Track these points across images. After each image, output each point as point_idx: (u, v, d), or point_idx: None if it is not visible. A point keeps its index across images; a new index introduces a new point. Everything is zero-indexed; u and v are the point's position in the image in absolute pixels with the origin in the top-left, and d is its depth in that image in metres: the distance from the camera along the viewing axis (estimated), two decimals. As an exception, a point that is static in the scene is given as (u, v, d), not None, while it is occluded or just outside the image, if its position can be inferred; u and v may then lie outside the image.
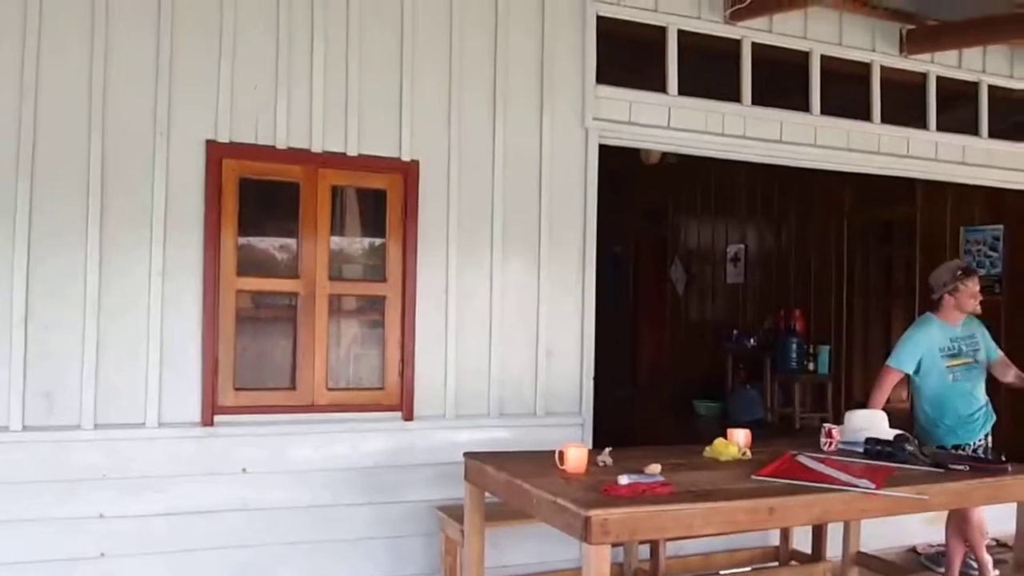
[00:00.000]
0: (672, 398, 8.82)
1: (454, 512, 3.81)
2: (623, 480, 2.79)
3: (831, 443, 3.55)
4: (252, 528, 3.80)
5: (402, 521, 4.01)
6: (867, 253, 8.16)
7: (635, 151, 4.63)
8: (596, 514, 2.43)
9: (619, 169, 5.35)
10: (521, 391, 4.19)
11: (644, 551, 4.16)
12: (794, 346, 8.04)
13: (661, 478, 2.86)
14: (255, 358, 3.95)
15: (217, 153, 3.75)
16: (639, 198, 9.24)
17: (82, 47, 3.60)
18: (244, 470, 3.77)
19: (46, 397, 3.57)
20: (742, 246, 9.28)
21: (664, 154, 6.51)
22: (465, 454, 3.49)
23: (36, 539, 3.53)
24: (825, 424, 3.73)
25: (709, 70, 4.44)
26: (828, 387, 8.30)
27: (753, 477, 3.00)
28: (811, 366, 8.17)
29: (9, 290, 3.52)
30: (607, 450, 3.27)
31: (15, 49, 3.52)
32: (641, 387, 9.84)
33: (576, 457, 3.10)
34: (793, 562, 4.35)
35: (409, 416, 4.01)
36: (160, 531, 3.69)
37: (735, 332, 8.73)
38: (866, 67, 5.14)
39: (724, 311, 8.99)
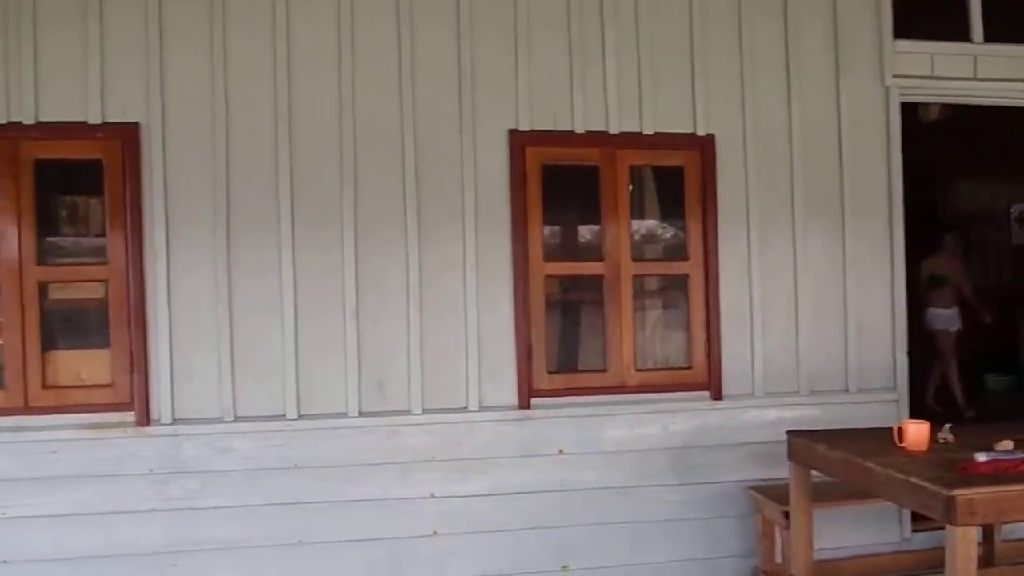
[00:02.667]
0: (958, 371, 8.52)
1: (770, 492, 4.02)
2: (981, 458, 2.87)
3: None
4: (569, 508, 4.18)
5: (714, 502, 4.25)
6: None
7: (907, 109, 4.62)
8: (961, 494, 2.48)
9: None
10: (830, 368, 4.36)
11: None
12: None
13: (1022, 454, 2.92)
14: (565, 342, 4.32)
15: (520, 142, 4.12)
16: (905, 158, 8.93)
17: (390, 58, 4.12)
18: (560, 451, 4.13)
19: (378, 385, 4.04)
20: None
21: (940, 108, 6.42)
22: (788, 432, 3.70)
23: (375, 518, 4.07)
24: None
25: (1019, 11, 4.39)
26: None
27: None
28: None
29: (341, 287, 4.01)
30: (947, 427, 3.38)
31: (333, 67, 4.06)
32: (921, 360, 9.54)
33: (917, 433, 3.26)
34: None
35: (717, 395, 4.25)
36: (485, 510, 4.12)
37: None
38: None
39: (1012, 275, 8.59)
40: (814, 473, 3.60)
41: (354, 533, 4.08)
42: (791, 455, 3.68)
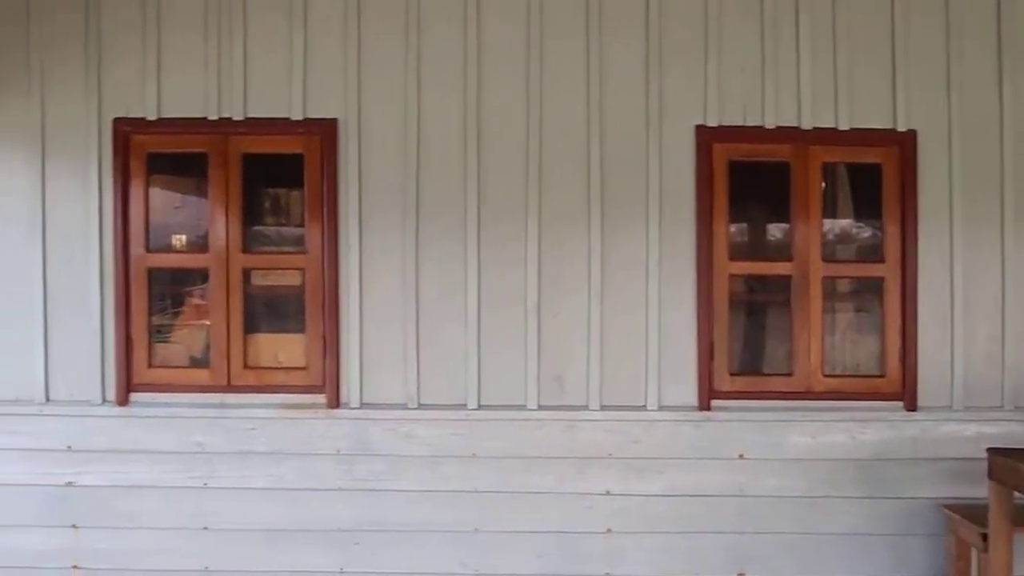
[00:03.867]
0: None
1: (966, 512, 3.92)
2: None
3: None
4: (747, 514, 4.21)
5: (903, 519, 4.19)
6: None
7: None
8: None
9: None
10: (1041, 381, 4.17)
11: None
12: None
13: None
14: (749, 343, 4.33)
15: (707, 138, 4.17)
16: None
17: (578, 55, 4.27)
18: (740, 456, 4.16)
19: (557, 379, 4.18)
20: None
21: None
22: (989, 450, 3.61)
23: (550, 511, 4.25)
24: None
25: None
26: None
27: None
28: None
29: (523, 282, 4.19)
30: None
31: (521, 65, 4.27)
32: None
33: None
34: None
35: (912, 406, 4.17)
36: (660, 511, 4.21)
37: None
38: None
39: None
40: (1016, 495, 3.48)
41: (528, 524, 4.26)
42: (991, 474, 3.58)
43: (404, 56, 4.26)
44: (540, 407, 4.28)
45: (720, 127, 4.25)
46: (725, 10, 4.27)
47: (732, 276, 4.28)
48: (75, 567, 4.32)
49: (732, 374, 4.27)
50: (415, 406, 4.27)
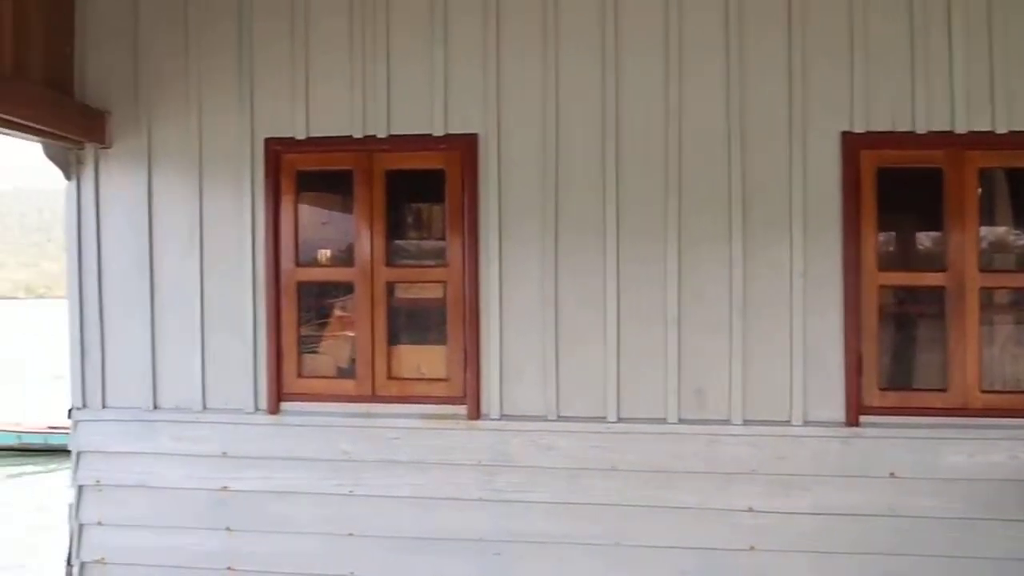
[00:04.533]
0: None
1: None
2: None
3: None
4: (898, 536, 4.16)
5: (1069, 543, 3.99)
6: None
7: None
8: None
9: None
10: None
11: None
12: None
13: None
14: (899, 356, 4.25)
15: (854, 144, 4.14)
16: None
17: (717, 63, 4.30)
18: (891, 474, 4.10)
19: (698, 393, 4.20)
20: None
21: None
22: None
23: (691, 526, 4.28)
24: None
25: None
26: None
27: None
28: None
29: (663, 293, 4.23)
30: None
31: (660, 76, 4.32)
32: None
33: None
34: None
35: (1079, 424, 3.99)
36: (806, 529, 4.19)
37: None
38: None
39: None
40: None
41: (669, 540, 4.29)
42: None
43: (543, 71, 4.38)
44: (681, 420, 4.31)
45: (868, 133, 4.20)
46: (871, 9, 4.20)
47: (881, 287, 4.21)
48: (229, 568, 4.60)
49: (882, 389, 4.20)
50: (555, 418, 4.37)
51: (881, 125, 4.21)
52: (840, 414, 4.22)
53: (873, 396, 4.20)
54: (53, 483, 15.17)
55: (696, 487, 4.29)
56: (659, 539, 4.31)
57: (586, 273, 4.35)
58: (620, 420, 4.33)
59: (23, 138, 4.52)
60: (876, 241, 4.22)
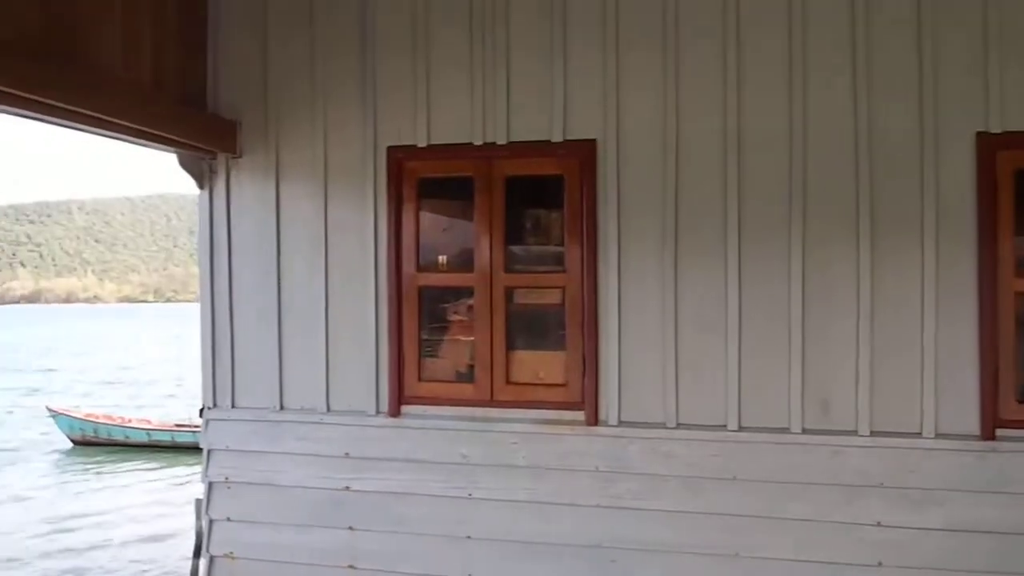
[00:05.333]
0: None
1: None
2: None
3: None
4: (1038, 555, 3.95)
5: None
6: None
7: None
8: None
9: None
10: None
11: None
12: None
13: None
14: (1042, 367, 4.11)
15: (989, 146, 4.06)
16: None
17: (843, 65, 4.27)
18: (1030, 490, 3.96)
19: (822, 402, 4.17)
20: None
21: None
22: None
23: (815, 539, 4.26)
24: None
25: None
26: None
27: None
28: None
29: (787, 300, 4.24)
30: None
31: (783, 80, 4.33)
32: None
33: None
34: None
35: None
36: (939, 546, 4.16)
37: None
38: None
39: None
40: None
41: (791, 552, 4.29)
42: None
43: (662, 75, 4.44)
44: (804, 431, 4.30)
45: (1004, 133, 4.12)
46: (1005, 5, 4.11)
47: (1018, 294, 4.10)
48: (351, 566, 4.80)
49: (1020, 401, 4.10)
50: (673, 425, 4.41)
51: (1020, 125, 4.10)
52: (974, 427, 4.13)
53: (1010, 409, 4.10)
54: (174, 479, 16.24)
55: (819, 499, 4.27)
56: (780, 551, 4.31)
57: (707, 279, 4.39)
58: (741, 429, 4.35)
59: (160, 149, 4.85)
60: (1013, 247, 4.12)
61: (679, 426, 4.42)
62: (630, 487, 4.46)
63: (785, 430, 4.32)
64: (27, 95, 3.62)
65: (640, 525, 4.45)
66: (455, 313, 4.93)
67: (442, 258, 5.00)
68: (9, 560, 10.83)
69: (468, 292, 4.77)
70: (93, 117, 4.08)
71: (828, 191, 4.28)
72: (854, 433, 4.25)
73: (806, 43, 4.29)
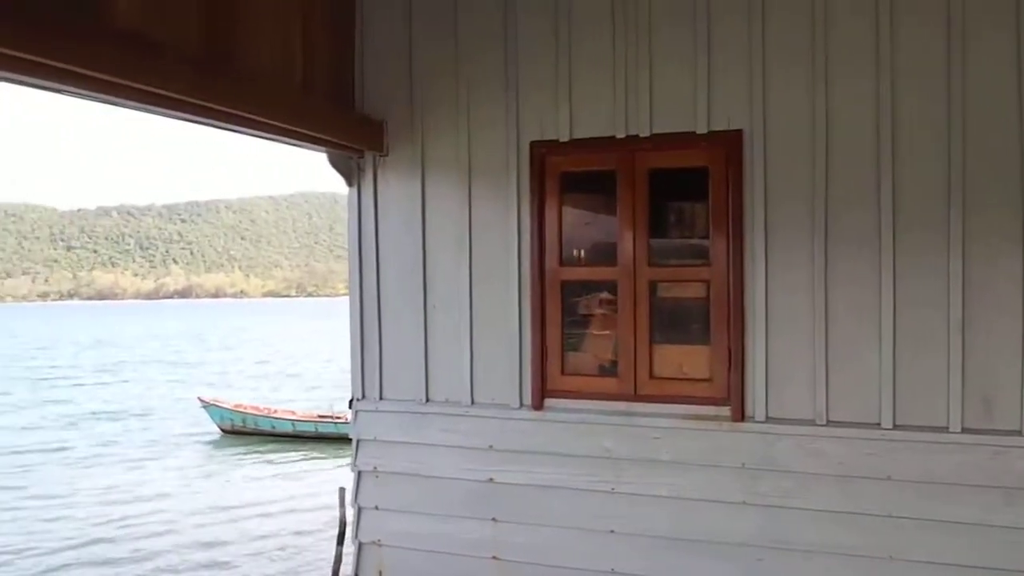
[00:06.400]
0: None
1: None
2: None
3: None
4: None
5: None
6: None
7: None
8: None
9: None
10: None
11: None
12: None
13: None
14: None
15: None
16: None
17: (1005, 49, 4.15)
18: None
19: (984, 401, 4.09)
20: None
21: None
22: None
23: (974, 543, 4.21)
24: None
25: None
26: None
27: None
28: None
29: (945, 295, 4.18)
30: None
31: (941, 70, 4.23)
32: None
33: None
34: None
35: None
36: (1114, 555, 3.89)
37: None
38: None
39: None
40: None
41: (949, 556, 4.23)
42: None
43: (811, 62, 4.43)
44: (964, 430, 4.23)
45: None
46: None
47: None
48: (495, 557, 4.99)
49: None
50: (823, 422, 4.41)
51: None
52: None
53: None
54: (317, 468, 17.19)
55: (980, 502, 4.20)
56: (936, 555, 4.26)
57: (859, 272, 4.36)
58: (896, 427, 4.31)
59: (311, 149, 5.16)
60: None
61: (829, 423, 4.42)
62: (777, 485, 4.48)
63: (943, 429, 4.26)
64: (189, 99, 3.89)
65: (788, 524, 4.47)
66: (587, 307, 5.05)
67: (577, 252, 5.12)
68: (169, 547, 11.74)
69: (603, 286, 4.88)
70: (249, 119, 4.36)
71: (991, 180, 4.19)
72: (1018, 434, 4.16)
73: (965, 24, 4.20)
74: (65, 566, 11.21)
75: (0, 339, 68.10)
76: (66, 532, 12.87)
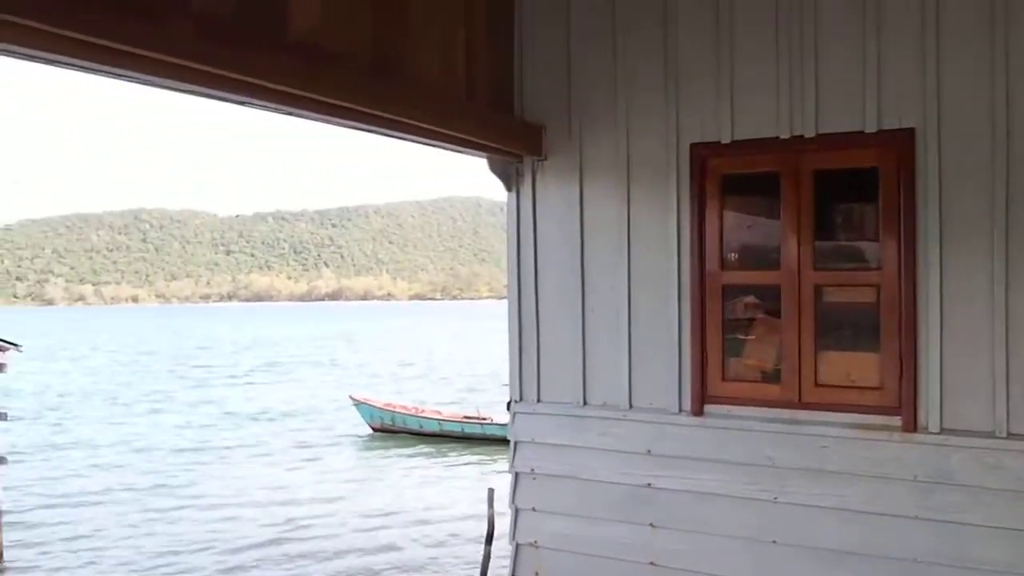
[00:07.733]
0: None
1: None
2: None
3: None
4: None
5: None
6: None
7: None
8: None
9: None
10: None
11: None
12: None
13: None
14: None
15: None
16: None
17: None
18: None
19: None
20: None
21: None
22: None
23: None
24: None
25: None
26: None
27: None
28: None
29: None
30: None
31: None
32: None
33: None
34: None
35: None
36: None
37: None
38: None
39: None
40: None
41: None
42: None
43: (991, 60, 4.31)
44: None
45: None
46: None
47: None
48: (652, 563, 5.07)
49: None
50: (1004, 435, 4.30)
51: None
52: None
53: None
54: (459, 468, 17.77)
55: None
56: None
57: (1043, 279, 4.22)
58: (1081, 441, 4.15)
59: (472, 155, 5.39)
60: None
61: (1010, 436, 4.29)
62: (952, 499, 4.38)
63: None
64: (363, 108, 4.16)
65: (963, 541, 4.36)
66: (749, 312, 5.06)
67: (738, 255, 5.13)
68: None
69: (773, 290, 4.88)
70: (418, 126, 4.60)
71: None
72: None
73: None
74: (244, 566, 12.03)
75: (165, 338, 73.14)
76: (244, 531, 13.79)
